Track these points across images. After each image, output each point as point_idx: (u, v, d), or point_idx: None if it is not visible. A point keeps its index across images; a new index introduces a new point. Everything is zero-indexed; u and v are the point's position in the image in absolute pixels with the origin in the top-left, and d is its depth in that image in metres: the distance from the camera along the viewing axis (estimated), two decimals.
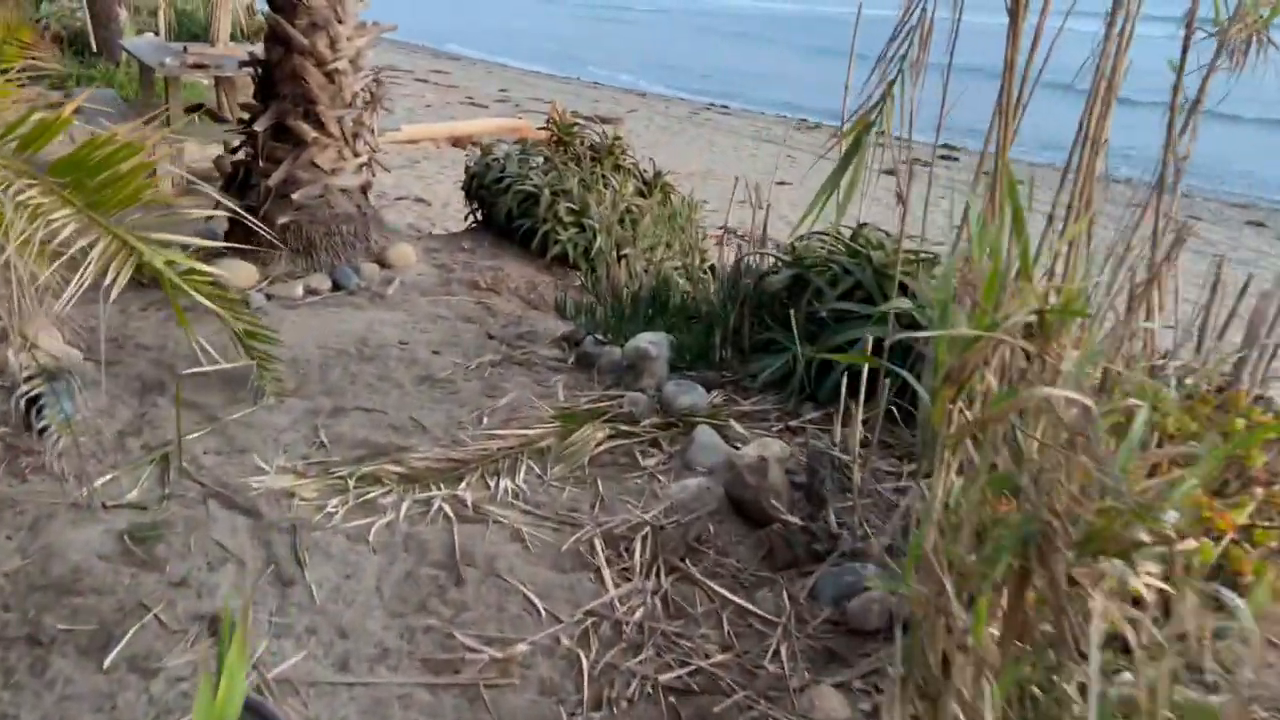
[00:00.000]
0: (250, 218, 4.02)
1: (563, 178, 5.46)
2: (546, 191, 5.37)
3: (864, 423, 2.70)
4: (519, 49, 34.67)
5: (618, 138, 6.12)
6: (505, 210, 5.51)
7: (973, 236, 1.46)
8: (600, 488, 2.93)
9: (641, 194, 5.70)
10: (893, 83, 3.24)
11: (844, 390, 2.80)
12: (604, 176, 5.62)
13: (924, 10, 3.10)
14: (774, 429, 3.26)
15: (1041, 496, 1.08)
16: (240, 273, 4.62)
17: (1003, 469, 1.16)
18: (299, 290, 4.63)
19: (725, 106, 23.04)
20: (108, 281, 2.35)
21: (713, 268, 5.17)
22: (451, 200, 9.99)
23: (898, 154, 3.24)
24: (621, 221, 5.26)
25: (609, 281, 4.24)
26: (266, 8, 5.02)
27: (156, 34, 11.25)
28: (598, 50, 36.44)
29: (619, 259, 4.69)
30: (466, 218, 6.20)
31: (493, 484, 2.94)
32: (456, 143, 13.34)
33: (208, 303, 2.86)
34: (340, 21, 4.93)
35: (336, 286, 4.78)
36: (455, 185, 11.01)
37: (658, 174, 5.93)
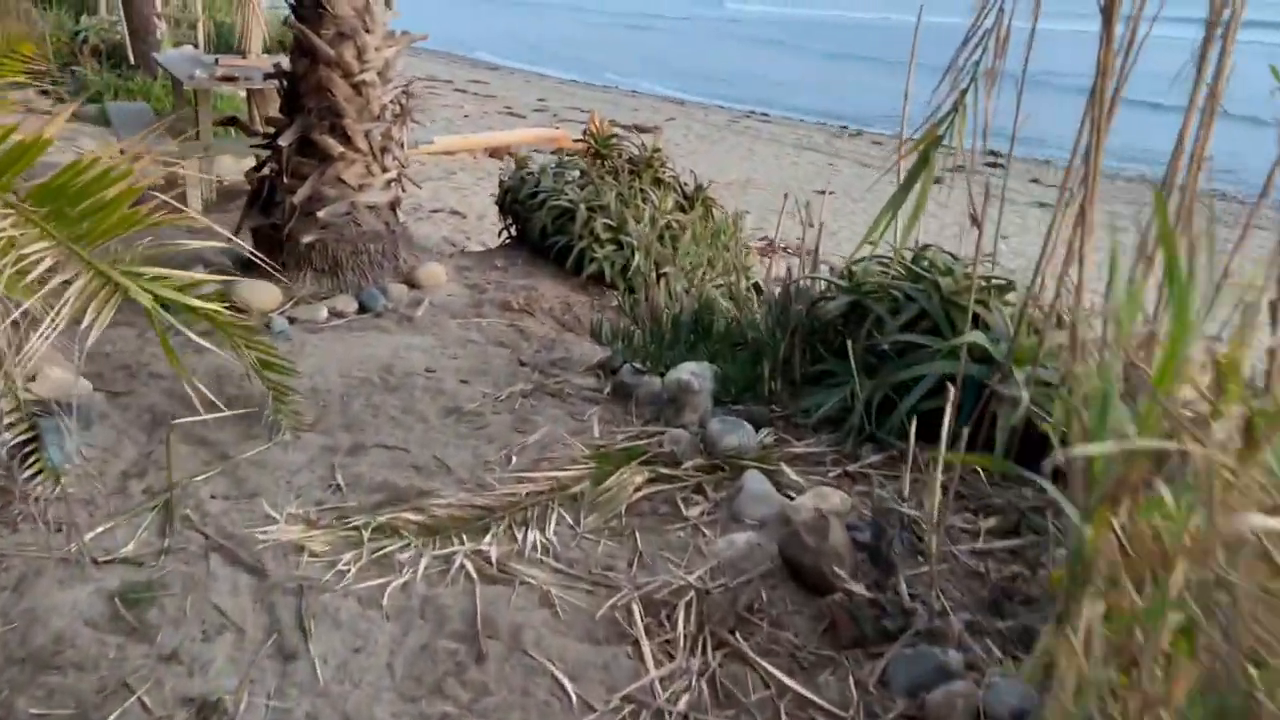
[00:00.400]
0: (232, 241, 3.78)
1: (599, 192, 5.19)
2: (582, 207, 5.10)
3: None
4: (550, 57, 34.62)
5: (656, 150, 5.84)
6: (540, 227, 5.25)
7: (1112, 287, 1.13)
8: (639, 541, 2.64)
9: (682, 209, 5.41)
10: (965, 92, 2.92)
11: (913, 436, 2.48)
12: (642, 191, 5.33)
13: (1000, 13, 2.78)
14: (831, 474, 2.94)
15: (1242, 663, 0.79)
16: (263, 295, 4.40)
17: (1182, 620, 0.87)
18: (323, 313, 4.40)
19: (765, 114, 22.70)
20: (85, 324, 2.10)
21: (757, 285, 4.86)
22: (487, 213, 9.77)
23: (969, 167, 2.92)
24: (661, 238, 4.97)
25: (647, 304, 3.95)
26: (293, 18, 4.81)
27: (195, 46, 11.18)
28: (628, 58, 36.31)
29: (658, 278, 4.41)
30: (500, 233, 5.95)
31: (520, 536, 2.65)
32: (494, 153, 13.14)
33: (202, 340, 2.60)
34: (368, 31, 4.70)
35: (363, 309, 4.53)
36: (491, 197, 10.78)
37: (699, 187, 5.64)
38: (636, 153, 5.85)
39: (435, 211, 9.54)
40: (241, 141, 6.87)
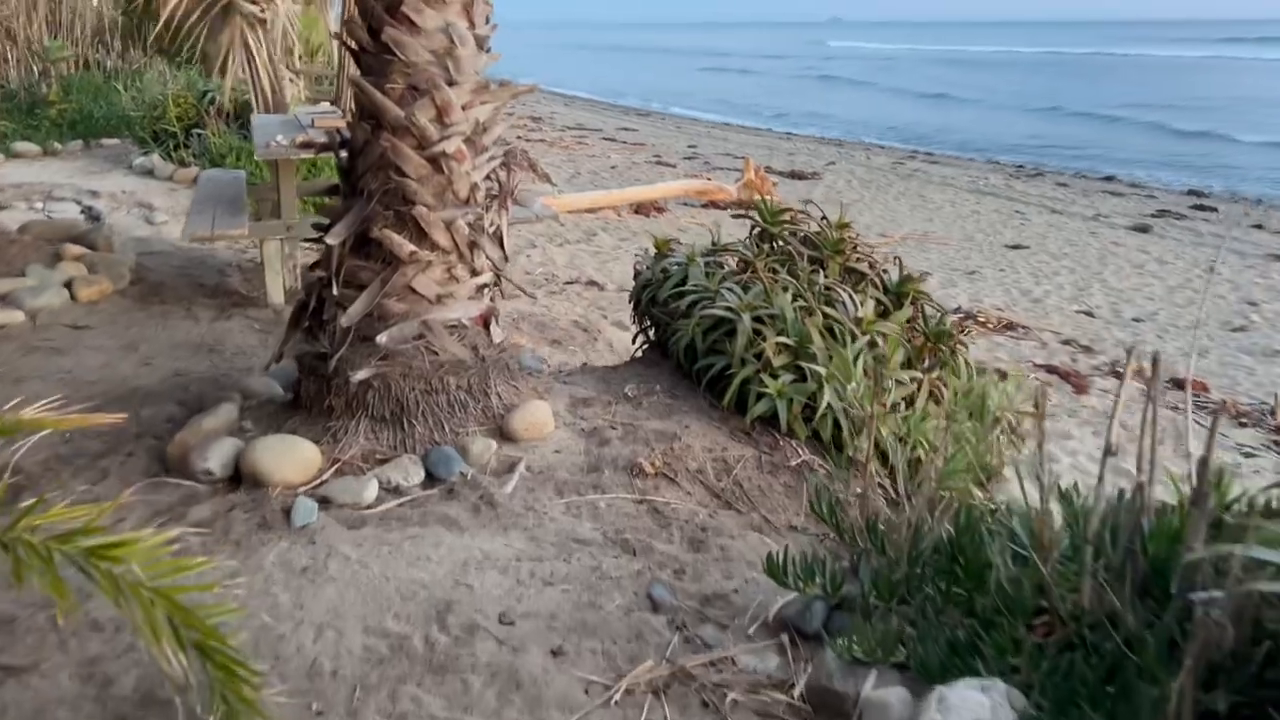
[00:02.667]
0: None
1: (769, 295, 3.60)
2: (746, 317, 3.52)
3: None
4: (703, 101, 33.38)
5: (844, 225, 4.20)
6: (686, 342, 3.69)
7: None
8: None
9: (884, 309, 3.75)
10: None
11: None
12: (827, 290, 3.72)
13: None
14: None
15: None
16: (291, 459, 3.00)
17: None
18: (372, 489, 2.96)
19: (929, 154, 20.59)
20: None
21: (1063, 493, 3.14)
22: (629, 283, 8.33)
23: None
24: (867, 366, 3.33)
25: (861, 507, 2.33)
26: (352, 68, 3.46)
27: (334, 102, 10.30)
28: (760, 96, 34.72)
29: (880, 455, 2.76)
30: (634, 339, 4.43)
31: None
32: (639, 209, 11.77)
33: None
34: (452, 83, 3.28)
35: (430, 478, 3.08)
36: (637, 257, 9.36)
37: (907, 278, 3.96)
38: (818, 228, 4.23)
39: (570, 283, 8.17)
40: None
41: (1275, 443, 5.61)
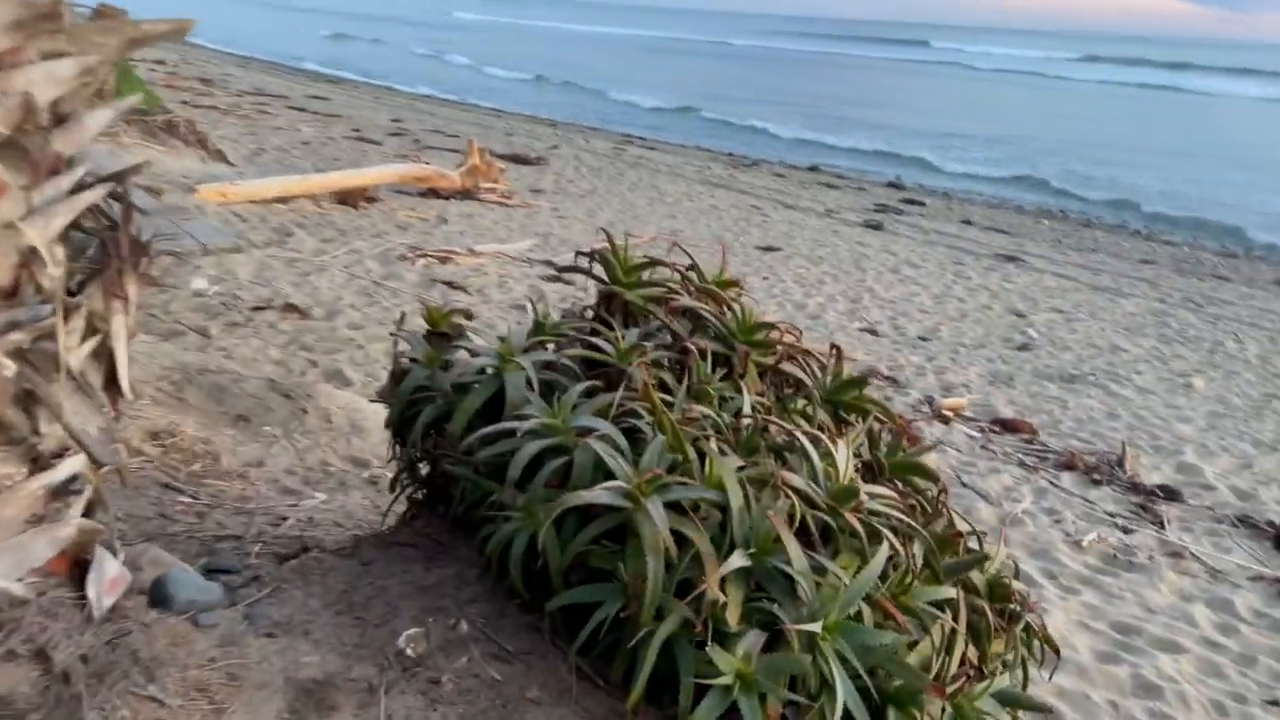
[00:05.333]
0: None
1: (682, 448, 1.86)
2: (655, 508, 1.75)
3: None
4: (394, 71, 30.59)
5: (729, 283, 2.56)
6: (521, 548, 1.86)
7: None
8: None
9: (871, 467, 2.14)
10: None
11: None
12: (766, 426, 2.04)
13: None
14: None
15: None
16: None
17: None
18: None
19: (643, 138, 19.46)
20: None
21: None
22: (342, 309, 6.16)
23: None
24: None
25: None
26: None
27: None
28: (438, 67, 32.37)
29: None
30: (393, 487, 2.47)
31: None
32: (344, 199, 9.42)
33: None
34: None
35: None
36: (345, 272, 7.13)
37: (849, 382, 2.37)
38: (686, 286, 2.54)
39: (260, 309, 5.87)
40: None
41: (1140, 507, 4.74)
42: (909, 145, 21.76)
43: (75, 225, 1.48)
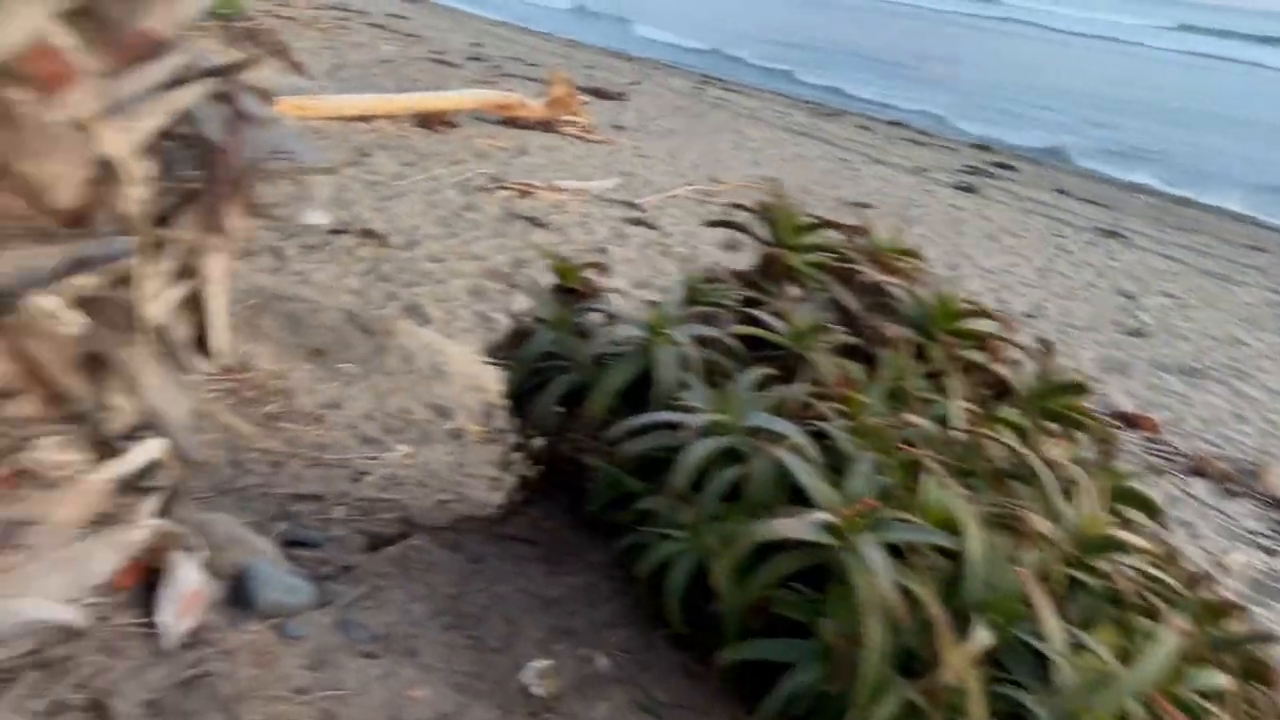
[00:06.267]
0: None
1: (900, 473, 1.44)
2: (874, 553, 1.34)
3: None
4: None
5: (909, 252, 2.12)
6: (684, 577, 1.47)
7: None
8: None
9: (1020, 432, 1.72)
10: None
11: None
12: (925, 400, 1.62)
13: None
14: None
15: None
16: None
17: None
18: None
19: (721, 80, 18.63)
20: None
21: None
22: (423, 233, 5.83)
23: None
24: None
25: None
26: None
27: None
28: None
29: None
30: (505, 466, 2.10)
31: None
32: (423, 121, 9.02)
33: None
34: None
35: None
36: (425, 203, 6.74)
37: (1061, 386, 1.94)
38: (867, 252, 2.11)
39: (337, 232, 5.54)
40: None
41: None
42: (986, 106, 20.67)
43: (167, 133, 1.10)
